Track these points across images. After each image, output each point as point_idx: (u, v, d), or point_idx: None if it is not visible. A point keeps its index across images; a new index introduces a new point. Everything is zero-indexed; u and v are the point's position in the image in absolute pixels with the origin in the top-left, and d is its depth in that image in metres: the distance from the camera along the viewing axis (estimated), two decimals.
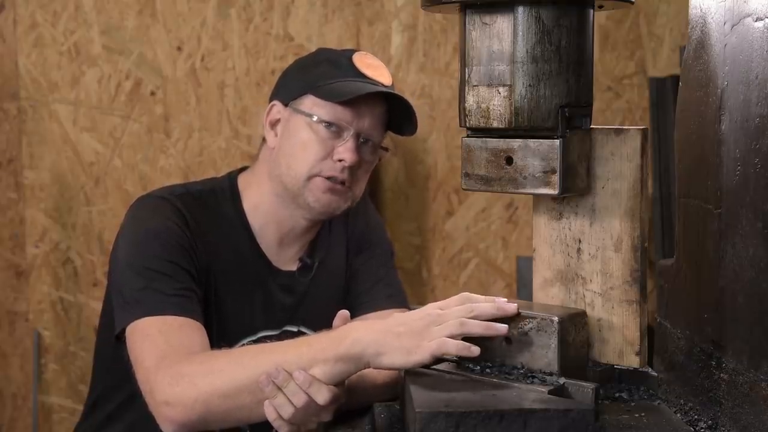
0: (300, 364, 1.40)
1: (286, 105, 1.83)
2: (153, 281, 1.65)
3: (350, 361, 1.38)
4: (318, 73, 1.81)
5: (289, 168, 1.79)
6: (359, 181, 1.83)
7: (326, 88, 1.77)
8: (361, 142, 1.79)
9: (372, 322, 1.42)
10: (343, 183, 1.78)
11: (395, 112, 1.83)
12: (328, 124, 1.76)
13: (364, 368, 1.39)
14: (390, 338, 1.37)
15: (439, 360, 1.38)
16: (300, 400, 1.38)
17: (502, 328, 1.35)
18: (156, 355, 1.55)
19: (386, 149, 1.89)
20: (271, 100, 1.89)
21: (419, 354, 1.35)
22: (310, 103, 1.79)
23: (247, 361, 1.47)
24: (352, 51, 1.86)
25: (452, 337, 1.35)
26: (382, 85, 1.80)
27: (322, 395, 1.38)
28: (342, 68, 1.80)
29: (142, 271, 1.67)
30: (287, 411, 1.39)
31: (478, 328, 1.36)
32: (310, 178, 1.78)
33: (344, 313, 1.50)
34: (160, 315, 1.61)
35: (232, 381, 1.46)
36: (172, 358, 1.53)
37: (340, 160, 1.76)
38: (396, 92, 1.81)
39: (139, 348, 1.59)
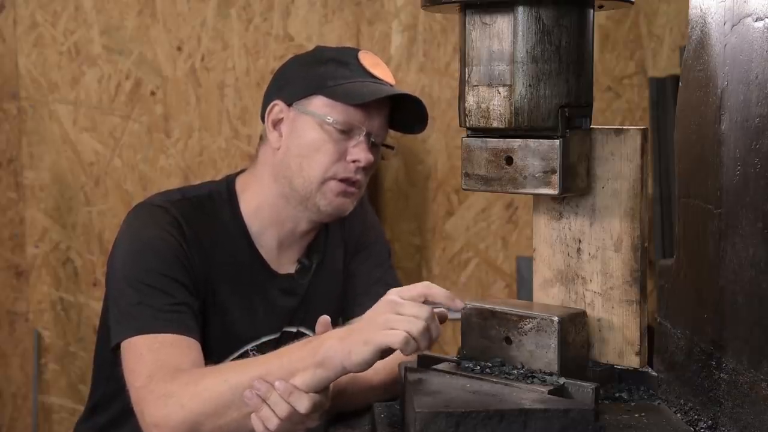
0: (281, 374, 1.39)
1: (289, 105, 1.81)
2: (147, 296, 1.64)
3: (327, 368, 1.37)
4: (325, 73, 1.79)
5: (302, 169, 1.78)
6: (367, 181, 1.84)
7: (339, 89, 1.76)
8: (372, 142, 1.79)
9: (347, 328, 1.41)
10: (354, 184, 1.79)
11: (401, 111, 1.83)
12: (342, 125, 1.76)
13: (343, 374, 1.38)
14: (355, 336, 1.36)
15: (437, 360, 1.38)
16: (282, 410, 1.37)
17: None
18: (145, 374, 1.55)
19: (392, 147, 1.88)
20: (268, 98, 1.86)
21: (373, 343, 1.33)
22: (320, 103, 1.77)
23: (232, 376, 1.47)
24: (355, 49, 1.86)
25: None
26: (389, 84, 1.81)
27: (302, 404, 1.37)
28: (351, 68, 1.79)
29: (136, 285, 1.66)
30: (273, 422, 1.38)
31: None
32: (324, 181, 1.77)
33: (324, 318, 1.48)
34: (151, 333, 1.60)
35: (219, 398, 1.45)
36: (159, 378, 1.53)
37: (354, 161, 1.76)
38: (411, 93, 1.82)
39: (131, 367, 1.59)
